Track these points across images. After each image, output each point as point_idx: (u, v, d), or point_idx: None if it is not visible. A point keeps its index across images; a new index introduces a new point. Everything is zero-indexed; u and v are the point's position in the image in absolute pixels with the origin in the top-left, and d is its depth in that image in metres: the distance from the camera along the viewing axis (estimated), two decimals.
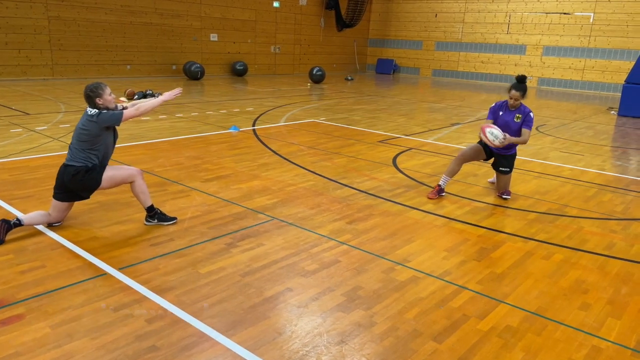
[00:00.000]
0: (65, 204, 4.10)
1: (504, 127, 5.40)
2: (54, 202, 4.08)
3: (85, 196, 4.15)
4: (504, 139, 5.16)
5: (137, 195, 4.25)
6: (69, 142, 4.21)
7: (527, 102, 16.15)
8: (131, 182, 4.19)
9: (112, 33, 16.12)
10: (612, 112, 13.80)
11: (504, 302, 3.31)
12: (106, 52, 16.11)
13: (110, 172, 4.10)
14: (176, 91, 4.35)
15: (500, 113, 5.50)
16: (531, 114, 5.35)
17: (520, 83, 5.36)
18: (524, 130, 5.35)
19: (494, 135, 5.18)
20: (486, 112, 12.92)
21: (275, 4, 20.83)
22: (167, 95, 4.26)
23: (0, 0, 13.60)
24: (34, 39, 14.39)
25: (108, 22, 15.94)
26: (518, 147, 6.97)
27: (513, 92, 5.33)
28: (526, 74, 21.47)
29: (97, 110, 3.99)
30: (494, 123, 5.52)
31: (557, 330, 3.03)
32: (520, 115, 5.39)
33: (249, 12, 20.06)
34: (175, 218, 4.46)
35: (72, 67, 15.32)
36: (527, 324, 3.07)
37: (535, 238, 4.46)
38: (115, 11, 16.04)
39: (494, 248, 4.20)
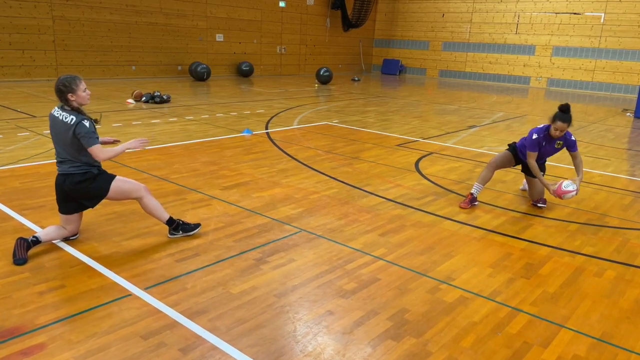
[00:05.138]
0: (74, 215, 3.85)
1: (545, 156, 5.27)
2: (62, 216, 3.83)
3: (90, 205, 3.84)
4: (576, 189, 5.02)
5: (152, 213, 3.99)
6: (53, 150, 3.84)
7: (537, 103, 15.89)
8: (139, 199, 3.92)
9: (117, 33, 15.84)
10: (628, 114, 13.53)
11: (565, 327, 3.04)
12: (111, 53, 15.83)
13: (119, 182, 3.84)
14: (143, 140, 3.93)
15: (544, 144, 5.13)
16: (573, 137, 5.11)
17: (565, 113, 4.90)
18: (576, 154, 5.17)
19: (571, 191, 5.01)
20: (501, 114, 12.69)
21: (281, 4, 20.55)
22: (132, 143, 3.85)
23: (4, 0, 13.33)
24: (38, 39, 14.11)
25: (113, 22, 15.67)
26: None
27: (559, 123, 4.87)
28: (535, 75, 21.25)
29: (73, 118, 3.63)
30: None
31: None
32: (561, 142, 5.13)
33: (254, 12, 19.79)
34: (199, 224, 4.23)
35: (77, 67, 15.03)
36: (596, 353, 2.80)
37: (582, 252, 4.20)
38: (120, 11, 15.76)
39: (540, 264, 3.94)
